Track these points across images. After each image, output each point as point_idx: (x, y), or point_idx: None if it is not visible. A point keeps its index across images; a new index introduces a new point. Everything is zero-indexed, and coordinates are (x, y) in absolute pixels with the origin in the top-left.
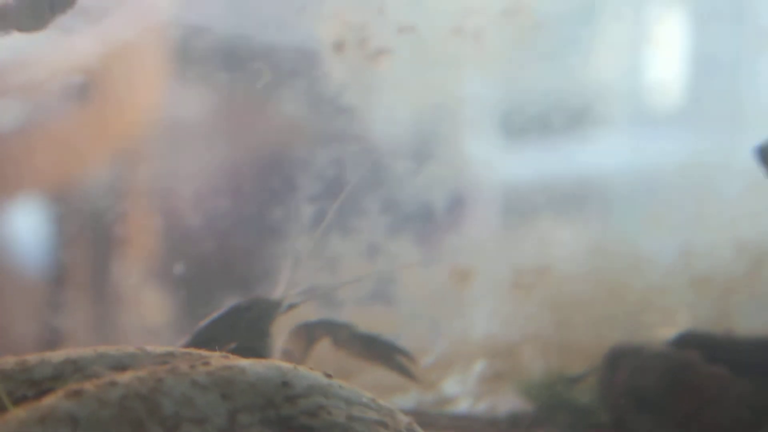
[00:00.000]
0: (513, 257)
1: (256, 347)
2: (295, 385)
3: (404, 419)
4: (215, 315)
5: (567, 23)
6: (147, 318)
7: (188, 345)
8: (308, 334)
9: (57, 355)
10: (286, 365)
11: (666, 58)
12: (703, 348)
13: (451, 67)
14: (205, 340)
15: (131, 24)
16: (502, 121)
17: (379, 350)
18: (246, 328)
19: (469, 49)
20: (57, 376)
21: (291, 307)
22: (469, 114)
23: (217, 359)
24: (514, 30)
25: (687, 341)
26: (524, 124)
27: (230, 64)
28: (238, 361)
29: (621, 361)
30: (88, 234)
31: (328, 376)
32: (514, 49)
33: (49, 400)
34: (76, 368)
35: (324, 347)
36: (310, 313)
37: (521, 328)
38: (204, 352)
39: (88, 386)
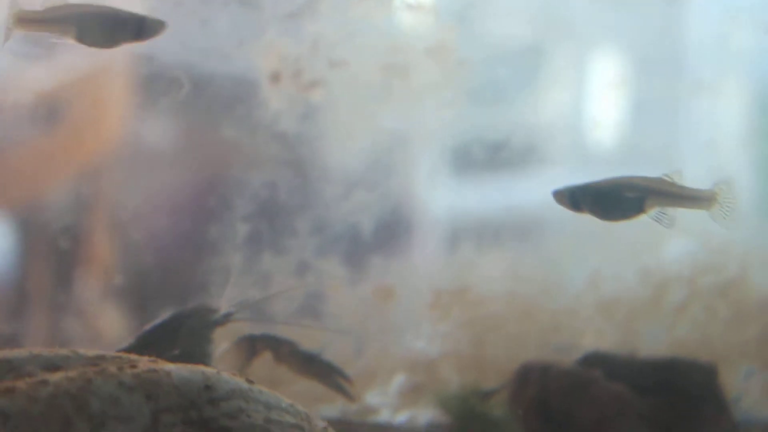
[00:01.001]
0: (434, 279)
1: (196, 353)
2: (218, 389)
3: (320, 424)
4: (157, 321)
5: (500, 65)
6: (99, 328)
7: (130, 349)
8: (250, 346)
9: None
10: (209, 370)
11: (605, 101)
12: (607, 367)
13: (381, 100)
14: (146, 344)
15: (92, 53)
16: (429, 151)
17: (318, 369)
18: (187, 335)
19: (397, 84)
20: None
21: (229, 316)
22: (398, 143)
23: (145, 363)
24: (440, 68)
25: (592, 361)
26: (452, 154)
27: (173, 91)
28: (164, 364)
29: (530, 377)
30: (46, 249)
31: (250, 381)
32: (441, 87)
33: None
34: (11, 368)
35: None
36: (244, 325)
37: (440, 345)
38: (133, 356)
39: (20, 384)
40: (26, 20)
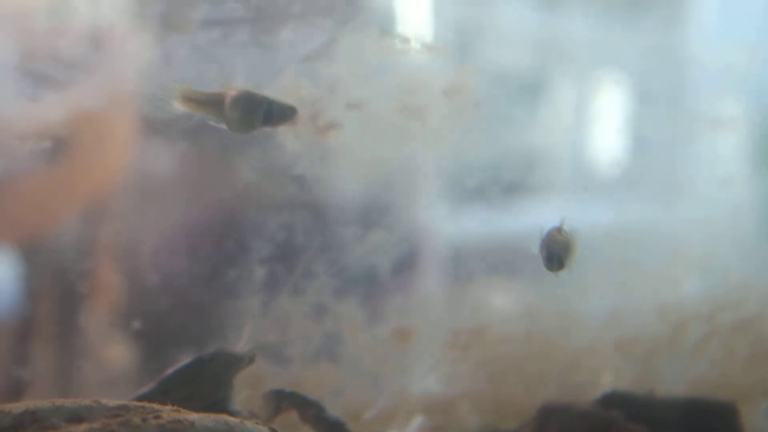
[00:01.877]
0: (451, 318)
1: (217, 399)
2: None
3: None
4: (178, 366)
5: (508, 102)
6: (109, 370)
7: (150, 394)
8: (277, 402)
9: (17, 407)
10: (233, 420)
11: (604, 134)
12: (626, 407)
13: (397, 140)
14: (166, 390)
15: (99, 92)
16: (445, 191)
17: None
18: (208, 380)
19: (413, 125)
20: (16, 426)
21: (251, 361)
22: (414, 184)
23: (168, 412)
24: (454, 107)
25: (611, 400)
26: (467, 194)
27: (189, 132)
28: (188, 414)
29: (550, 418)
30: (54, 288)
31: (273, 430)
32: (455, 125)
33: None
34: (34, 419)
35: None
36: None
37: (458, 385)
38: (156, 406)
39: None
40: (188, 99)
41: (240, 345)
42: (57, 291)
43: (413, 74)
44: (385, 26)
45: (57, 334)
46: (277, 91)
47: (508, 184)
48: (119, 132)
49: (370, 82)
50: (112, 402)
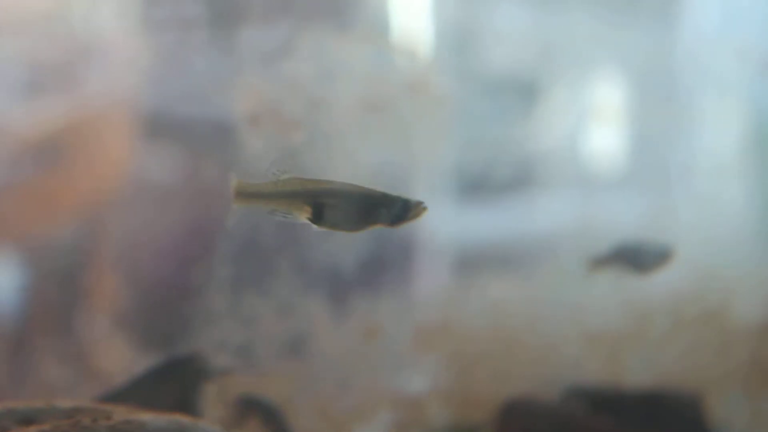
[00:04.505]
0: (418, 315)
1: (186, 401)
2: None
3: None
4: (150, 367)
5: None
6: (96, 367)
7: (117, 394)
8: (245, 409)
9: None
10: (185, 420)
11: (605, 130)
12: (592, 401)
13: (360, 137)
14: (136, 390)
15: (95, 97)
16: (413, 188)
17: None
18: (179, 381)
19: (375, 121)
20: None
21: (225, 371)
22: (378, 181)
23: (121, 413)
24: (419, 104)
25: (577, 394)
26: (434, 192)
27: (153, 134)
28: (141, 415)
29: (514, 413)
30: (45, 286)
31: (227, 431)
32: (419, 121)
33: None
34: None
35: None
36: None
37: (425, 380)
38: (110, 407)
39: None
40: (244, 194)
41: (205, 344)
42: (45, 289)
43: (376, 71)
44: (348, 23)
45: (56, 332)
46: (239, 90)
47: (476, 177)
48: (114, 134)
49: (332, 80)
50: (66, 403)
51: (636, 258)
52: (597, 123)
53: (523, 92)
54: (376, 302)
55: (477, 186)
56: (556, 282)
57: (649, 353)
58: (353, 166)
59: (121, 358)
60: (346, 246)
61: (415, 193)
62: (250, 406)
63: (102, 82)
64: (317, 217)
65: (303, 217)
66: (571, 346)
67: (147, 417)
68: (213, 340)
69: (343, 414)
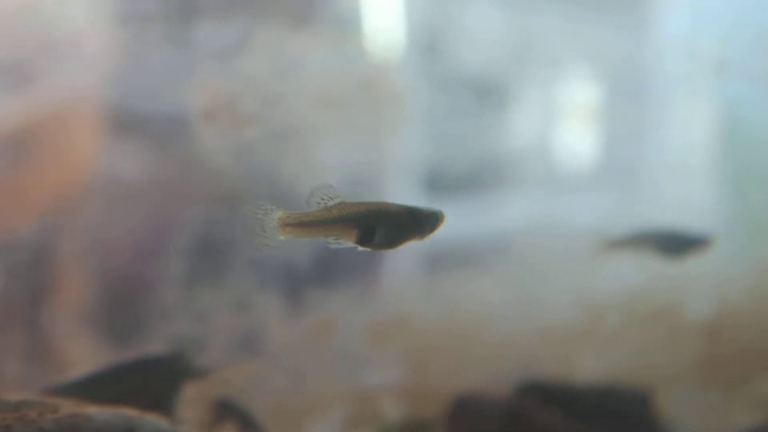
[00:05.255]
0: (371, 310)
1: (162, 398)
2: (140, 431)
3: None
4: (124, 361)
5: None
6: (63, 359)
7: (75, 386)
8: (221, 411)
9: None
10: (132, 413)
11: (574, 129)
12: (542, 395)
13: (313, 133)
14: (103, 383)
15: (59, 92)
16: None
17: None
18: (155, 380)
19: (331, 117)
20: None
21: (206, 373)
22: (333, 177)
23: (68, 407)
24: (372, 101)
25: (528, 389)
26: (391, 187)
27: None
28: (88, 408)
29: (465, 408)
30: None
31: (174, 424)
32: (372, 118)
33: None
34: None
35: None
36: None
37: (379, 376)
38: (57, 400)
39: None
40: (290, 225)
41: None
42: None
43: (332, 67)
44: (304, 19)
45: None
46: (194, 86)
47: (434, 178)
48: (78, 129)
49: (288, 76)
50: (15, 397)
51: (669, 243)
52: (565, 122)
53: (492, 91)
54: (330, 297)
55: (438, 183)
56: (511, 279)
57: (602, 349)
58: (308, 161)
59: (84, 353)
60: (299, 242)
61: (373, 190)
62: (226, 410)
63: (66, 77)
64: (366, 239)
65: (350, 240)
66: (525, 342)
67: (93, 410)
68: (167, 335)
69: (296, 409)
